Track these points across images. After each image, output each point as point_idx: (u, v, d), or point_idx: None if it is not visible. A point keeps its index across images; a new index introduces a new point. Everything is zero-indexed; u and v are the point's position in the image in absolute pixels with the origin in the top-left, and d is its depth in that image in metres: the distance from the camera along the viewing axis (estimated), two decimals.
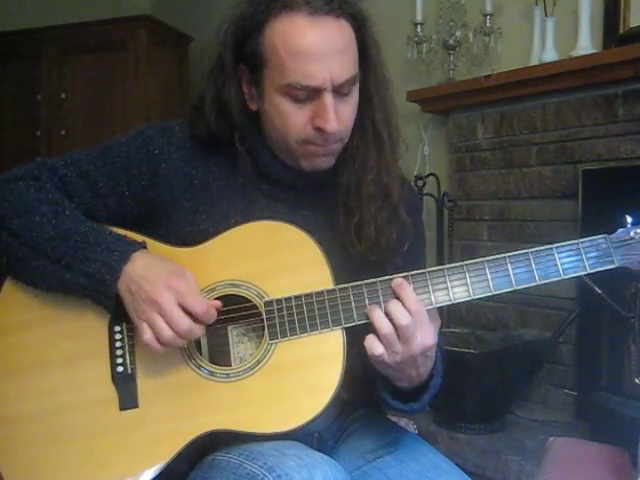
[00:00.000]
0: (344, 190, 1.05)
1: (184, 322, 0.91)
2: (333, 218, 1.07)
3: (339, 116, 0.98)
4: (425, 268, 0.97)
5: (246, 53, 1.00)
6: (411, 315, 0.92)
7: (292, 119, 0.98)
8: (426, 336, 0.93)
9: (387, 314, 0.93)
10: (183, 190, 1.05)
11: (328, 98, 0.96)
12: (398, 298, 0.94)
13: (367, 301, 0.95)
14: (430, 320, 0.95)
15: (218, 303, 0.95)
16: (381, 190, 1.05)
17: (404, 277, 0.96)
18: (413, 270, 0.97)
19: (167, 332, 0.90)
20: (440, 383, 1.02)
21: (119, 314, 0.96)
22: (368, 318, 0.94)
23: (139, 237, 0.99)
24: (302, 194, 1.08)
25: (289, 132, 0.99)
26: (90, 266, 0.94)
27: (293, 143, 1.00)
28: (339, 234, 1.05)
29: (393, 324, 0.92)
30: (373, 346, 0.92)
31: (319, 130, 0.98)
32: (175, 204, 1.05)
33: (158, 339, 0.91)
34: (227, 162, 1.07)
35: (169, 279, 0.92)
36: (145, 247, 0.97)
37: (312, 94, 0.96)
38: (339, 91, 0.97)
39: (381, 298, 0.95)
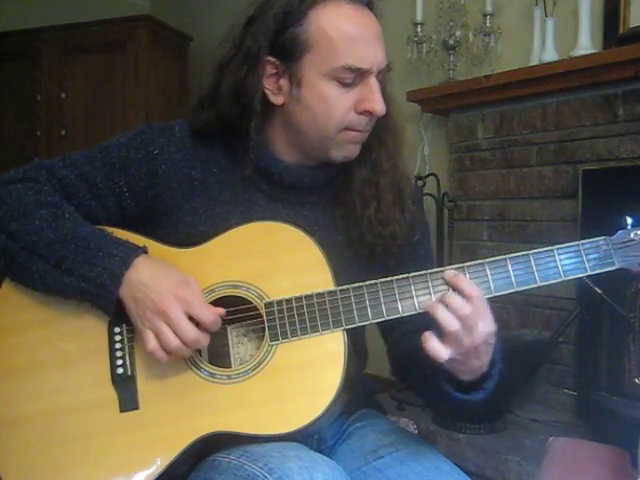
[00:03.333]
0: (360, 181, 1.07)
1: (192, 332, 0.91)
2: (334, 218, 1.08)
3: None
4: (434, 263, 0.97)
5: (282, 43, 1.00)
6: (471, 304, 0.90)
7: (337, 104, 1.00)
8: (487, 323, 0.91)
9: (447, 306, 0.90)
10: (183, 191, 1.05)
11: (374, 81, 1.00)
12: (454, 289, 0.92)
13: (368, 302, 0.95)
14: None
15: (222, 311, 0.95)
16: (396, 179, 1.08)
17: (405, 278, 0.95)
18: (419, 266, 0.98)
19: (174, 342, 0.91)
20: (501, 369, 1.00)
21: (117, 318, 0.96)
22: (430, 315, 0.91)
23: (140, 241, 0.99)
24: (303, 195, 1.08)
25: (332, 119, 1.01)
26: (91, 271, 0.94)
27: (333, 130, 1.01)
28: (341, 234, 1.06)
29: (455, 316, 0.90)
30: (439, 352, 0.89)
31: (365, 113, 1.00)
32: (175, 205, 1.05)
33: (163, 348, 0.91)
34: (227, 163, 1.07)
35: (176, 288, 0.92)
36: (146, 252, 0.97)
37: (358, 78, 0.99)
38: (378, 77, 1.01)
39: (382, 300, 0.95)
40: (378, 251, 1.06)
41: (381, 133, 1.08)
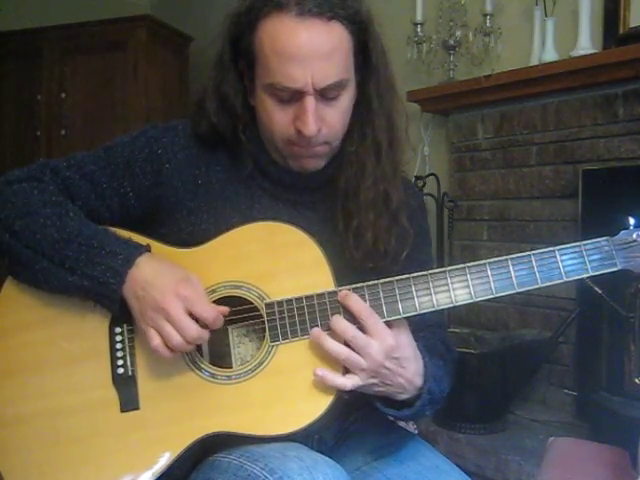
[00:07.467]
0: (342, 194, 1.05)
1: (192, 329, 0.91)
2: (335, 220, 1.06)
3: (324, 120, 0.97)
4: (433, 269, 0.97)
5: (242, 49, 1.00)
6: (359, 323, 0.92)
7: (276, 118, 0.99)
8: (383, 338, 0.92)
9: (332, 333, 0.93)
10: (186, 190, 1.05)
11: (309, 101, 0.95)
12: (345, 308, 0.94)
13: (368, 302, 0.95)
14: (399, 325, 0.95)
15: (225, 309, 0.95)
16: (379, 197, 1.04)
17: (406, 279, 0.96)
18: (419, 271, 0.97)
19: (176, 339, 0.91)
20: (441, 390, 1.01)
21: (121, 316, 0.97)
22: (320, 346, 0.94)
23: (143, 240, 0.99)
24: (303, 194, 1.08)
25: (274, 130, 1.00)
26: (95, 269, 0.94)
27: (279, 142, 1.01)
28: (339, 236, 1.05)
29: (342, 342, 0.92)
30: (343, 384, 0.93)
31: (299, 132, 0.97)
32: (178, 204, 1.05)
33: (166, 345, 0.92)
34: (230, 162, 1.07)
35: (177, 286, 0.92)
36: (149, 250, 0.98)
37: (295, 96, 0.96)
38: (324, 95, 0.96)
39: (382, 300, 0.95)
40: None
41: (368, 146, 1.04)
